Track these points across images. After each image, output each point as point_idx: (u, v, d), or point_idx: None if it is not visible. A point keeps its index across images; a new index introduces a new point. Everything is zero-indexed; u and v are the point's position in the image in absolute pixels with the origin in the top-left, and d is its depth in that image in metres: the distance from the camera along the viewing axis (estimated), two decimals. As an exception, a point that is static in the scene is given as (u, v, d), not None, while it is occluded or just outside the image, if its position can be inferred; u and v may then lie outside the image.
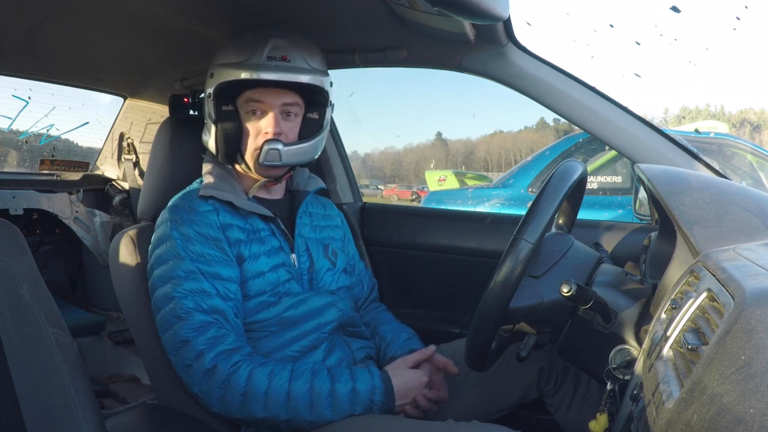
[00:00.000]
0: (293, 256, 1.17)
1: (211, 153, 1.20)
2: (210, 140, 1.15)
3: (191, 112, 1.37)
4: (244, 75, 1.07)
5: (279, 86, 1.10)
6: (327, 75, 1.17)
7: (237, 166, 1.18)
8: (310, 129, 1.17)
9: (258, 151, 1.11)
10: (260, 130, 1.11)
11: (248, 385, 0.98)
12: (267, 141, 1.10)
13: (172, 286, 1.02)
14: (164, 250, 1.05)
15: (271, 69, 1.07)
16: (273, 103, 1.10)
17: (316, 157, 1.21)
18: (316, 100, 1.17)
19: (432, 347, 1.16)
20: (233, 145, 1.13)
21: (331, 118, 1.24)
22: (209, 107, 1.13)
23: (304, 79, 1.09)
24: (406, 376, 1.07)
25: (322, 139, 1.20)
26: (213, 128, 1.13)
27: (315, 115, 1.17)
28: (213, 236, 1.06)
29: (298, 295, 1.13)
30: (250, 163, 1.14)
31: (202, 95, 1.17)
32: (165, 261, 1.04)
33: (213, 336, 0.99)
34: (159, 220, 1.11)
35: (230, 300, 1.04)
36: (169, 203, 1.13)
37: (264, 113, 1.11)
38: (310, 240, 1.22)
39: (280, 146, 1.10)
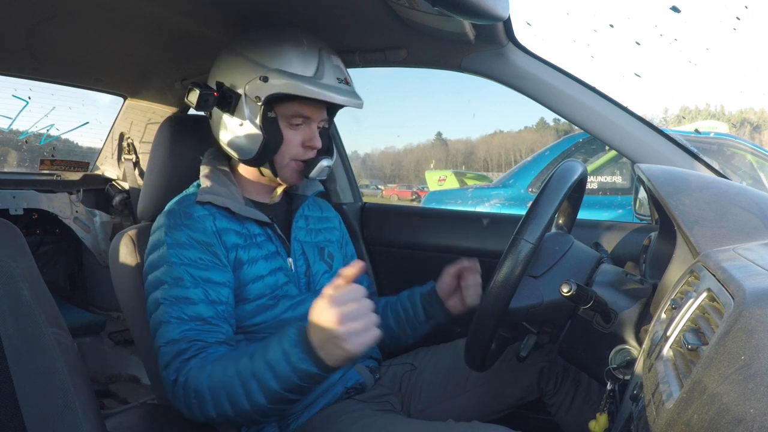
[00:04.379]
0: (290, 260, 1.16)
1: (210, 154, 1.20)
2: (235, 140, 1.11)
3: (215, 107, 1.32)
4: (314, 94, 1.05)
5: (322, 103, 1.12)
6: None
7: (260, 170, 1.16)
8: (328, 141, 1.21)
9: (297, 162, 1.14)
10: (300, 141, 1.13)
11: (195, 385, 0.91)
12: (321, 158, 1.15)
13: (161, 292, 1.01)
14: (157, 256, 1.05)
15: (342, 93, 1.09)
16: (316, 118, 1.14)
17: None
18: (332, 114, 1.24)
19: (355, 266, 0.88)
20: (272, 152, 1.12)
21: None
22: (250, 109, 1.09)
23: (360, 103, 1.14)
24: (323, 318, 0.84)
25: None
26: (245, 130, 1.10)
27: (326, 125, 1.21)
28: (206, 241, 1.05)
29: (295, 297, 1.13)
30: (282, 170, 1.14)
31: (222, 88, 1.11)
32: (157, 267, 1.04)
33: (182, 348, 0.96)
34: (155, 225, 1.10)
35: (221, 304, 1.02)
36: (166, 208, 1.11)
37: (306, 125, 1.14)
38: (306, 244, 1.21)
39: (329, 163, 1.16)
